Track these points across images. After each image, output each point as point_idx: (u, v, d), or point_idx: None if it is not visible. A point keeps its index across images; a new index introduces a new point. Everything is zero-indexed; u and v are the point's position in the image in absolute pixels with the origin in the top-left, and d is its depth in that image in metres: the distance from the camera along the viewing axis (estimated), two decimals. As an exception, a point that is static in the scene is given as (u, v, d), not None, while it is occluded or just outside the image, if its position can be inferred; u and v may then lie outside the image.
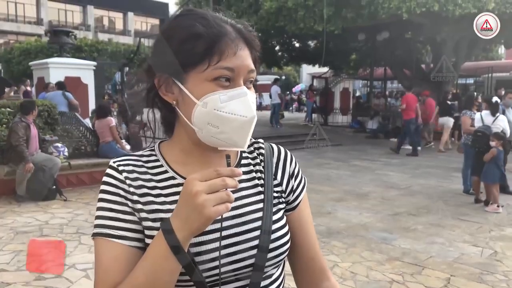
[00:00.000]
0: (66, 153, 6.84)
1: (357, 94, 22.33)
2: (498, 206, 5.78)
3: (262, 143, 0.97)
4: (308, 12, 12.65)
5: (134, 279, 0.75)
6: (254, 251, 0.83)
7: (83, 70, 10.07)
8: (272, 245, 0.85)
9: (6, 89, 12.63)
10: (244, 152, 0.94)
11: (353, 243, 4.52)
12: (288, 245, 0.89)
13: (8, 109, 6.72)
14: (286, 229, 0.90)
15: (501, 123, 6.22)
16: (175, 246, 0.72)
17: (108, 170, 0.85)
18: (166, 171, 0.87)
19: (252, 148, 0.96)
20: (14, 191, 5.96)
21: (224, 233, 0.82)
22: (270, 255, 0.84)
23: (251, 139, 0.94)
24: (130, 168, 0.85)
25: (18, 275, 3.56)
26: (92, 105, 9.71)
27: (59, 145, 6.82)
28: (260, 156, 0.95)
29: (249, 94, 0.80)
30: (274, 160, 0.95)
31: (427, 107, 12.12)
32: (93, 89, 10.17)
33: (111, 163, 0.86)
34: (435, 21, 11.91)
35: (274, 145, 0.98)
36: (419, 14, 11.06)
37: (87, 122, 8.53)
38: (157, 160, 0.88)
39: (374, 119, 15.30)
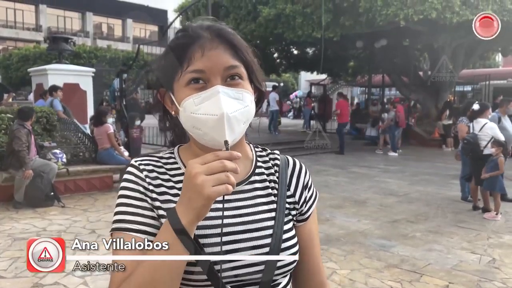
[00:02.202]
0: (64, 159, 6.83)
1: (356, 101, 22.41)
2: (497, 214, 5.79)
3: (278, 155, 1.00)
4: (306, 19, 12.72)
5: (142, 267, 0.76)
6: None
7: (82, 76, 10.07)
8: (282, 254, 0.87)
9: (5, 95, 12.62)
10: (259, 161, 0.97)
11: (351, 250, 4.52)
12: (297, 255, 0.91)
13: (8, 115, 6.72)
14: (295, 240, 0.92)
15: (489, 131, 6.14)
16: (179, 229, 0.73)
17: (129, 168, 0.89)
18: (183, 173, 0.88)
19: (267, 158, 0.98)
20: (12, 197, 5.94)
21: (235, 237, 0.85)
22: (279, 263, 0.86)
23: (265, 149, 1.01)
24: (150, 167, 0.89)
25: (16, 282, 3.55)
26: (90, 112, 9.70)
27: (58, 151, 6.82)
28: (275, 167, 0.97)
29: (223, 92, 0.81)
30: (289, 171, 0.98)
31: (397, 113, 12.55)
32: (91, 96, 10.17)
33: (132, 162, 0.91)
34: (432, 29, 11.99)
35: (289, 158, 1.01)
36: (416, 21, 11.13)
37: (86, 128, 8.52)
38: (176, 163, 0.92)
39: (372, 126, 15.32)
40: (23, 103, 13.26)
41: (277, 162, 0.98)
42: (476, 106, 6.49)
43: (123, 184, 0.88)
